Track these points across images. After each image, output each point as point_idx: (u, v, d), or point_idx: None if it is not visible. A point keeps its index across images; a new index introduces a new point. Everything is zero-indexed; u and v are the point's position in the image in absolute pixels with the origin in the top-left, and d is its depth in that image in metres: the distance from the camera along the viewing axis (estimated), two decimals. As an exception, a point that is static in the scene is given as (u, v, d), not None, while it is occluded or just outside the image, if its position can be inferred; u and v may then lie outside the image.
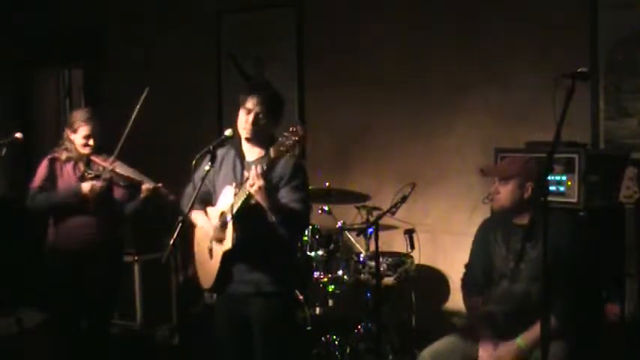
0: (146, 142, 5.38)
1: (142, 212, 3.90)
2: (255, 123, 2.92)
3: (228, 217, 2.89)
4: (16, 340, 4.82)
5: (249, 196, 2.79)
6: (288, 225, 2.91)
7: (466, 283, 3.31)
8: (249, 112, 2.93)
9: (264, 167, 2.74)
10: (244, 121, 2.94)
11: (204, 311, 4.52)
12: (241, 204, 2.83)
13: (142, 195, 3.76)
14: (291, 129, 2.66)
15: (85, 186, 3.76)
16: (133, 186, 3.80)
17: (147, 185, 3.74)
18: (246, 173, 2.95)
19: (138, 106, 3.76)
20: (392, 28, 4.81)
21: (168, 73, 5.79)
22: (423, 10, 4.68)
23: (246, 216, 2.86)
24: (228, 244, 2.90)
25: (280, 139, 2.68)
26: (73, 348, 3.94)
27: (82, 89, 6.60)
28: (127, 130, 3.77)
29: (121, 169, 3.76)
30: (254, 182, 2.73)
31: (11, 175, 5.41)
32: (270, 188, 2.80)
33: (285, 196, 2.92)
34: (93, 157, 3.82)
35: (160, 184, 3.75)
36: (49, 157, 3.89)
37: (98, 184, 3.75)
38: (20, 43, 6.42)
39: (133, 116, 3.76)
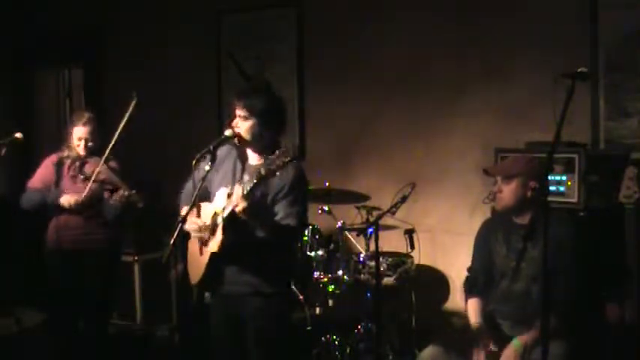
0: (146, 141, 5.40)
1: (120, 217, 3.92)
2: (249, 132, 2.91)
3: (219, 220, 2.89)
4: (16, 340, 4.82)
5: (235, 212, 2.78)
6: (276, 239, 2.90)
7: (469, 286, 3.30)
8: (235, 117, 2.92)
9: (252, 184, 2.71)
10: (231, 126, 2.93)
11: (204, 311, 4.51)
12: (228, 215, 2.82)
13: (114, 201, 3.79)
14: (283, 148, 2.66)
15: (65, 198, 3.81)
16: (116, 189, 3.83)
17: (120, 192, 3.77)
18: (246, 177, 2.94)
19: (127, 115, 3.81)
20: (392, 28, 4.81)
21: (168, 72, 5.80)
22: (422, 10, 4.67)
23: (235, 224, 2.84)
24: (214, 247, 2.89)
25: (270, 157, 2.67)
26: (73, 348, 3.95)
27: (82, 89, 6.60)
28: (116, 135, 3.82)
29: (104, 174, 3.81)
30: (237, 203, 2.72)
31: (11, 175, 5.41)
32: (255, 208, 2.78)
33: (281, 210, 2.89)
34: (87, 159, 3.85)
35: (133, 192, 3.77)
36: (54, 158, 3.93)
37: (75, 199, 3.79)
38: (20, 43, 6.42)
39: (123, 122, 3.81)
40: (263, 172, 2.67)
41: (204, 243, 2.98)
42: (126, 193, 3.75)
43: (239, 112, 2.91)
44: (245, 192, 2.72)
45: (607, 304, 3.18)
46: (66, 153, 3.92)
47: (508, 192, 3.09)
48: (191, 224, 2.99)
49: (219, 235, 2.87)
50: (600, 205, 3.54)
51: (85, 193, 3.79)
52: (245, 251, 2.91)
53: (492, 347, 3.00)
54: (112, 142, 3.82)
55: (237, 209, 2.73)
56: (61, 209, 3.84)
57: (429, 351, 3.14)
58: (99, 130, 3.94)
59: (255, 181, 2.71)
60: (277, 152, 2.66)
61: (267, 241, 2.87)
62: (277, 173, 2.68)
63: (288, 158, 2.64)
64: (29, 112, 6.66)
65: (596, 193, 3.59)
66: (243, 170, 3.00)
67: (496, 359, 2.98)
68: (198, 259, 3.03)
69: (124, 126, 3.82)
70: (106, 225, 3.92)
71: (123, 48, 6.12)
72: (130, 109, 3.81)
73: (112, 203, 3.82)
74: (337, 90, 5.04)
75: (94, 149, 3.87)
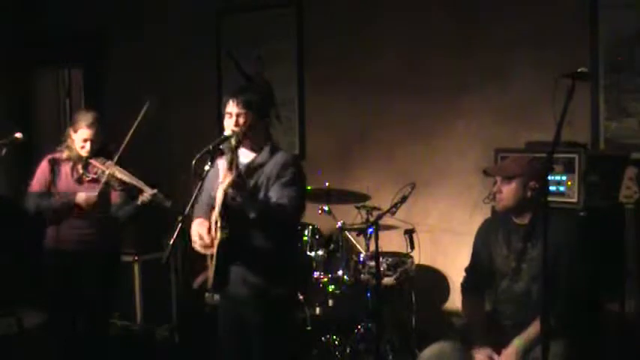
0: (146, 141, 5.39)
1: (135, 217, 3.91)
2: (236, 125, 2.92)
3: (215, 219, 2.89)
4: (16, 340, 4.82)
5: (225, 194, 2.77)
6: (269, 221, 2.86)
7: (466, 286, 3.30)
8: (230, 115, 2.94)
9: (232, 154, 2.74)
10: (227, 126, 2.94)
11: (204, 311, 4.52)
12: (222, 204, 2.82)
13: (139, 202, 3.75)
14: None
15: (81, 196, 3.77)
16: (129, 190, 3.81)
17: (145, 194, 3.72)
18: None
19: (139, 118, 3.77)
20: (392, 28, 4.81)
21: (168, 73, 5.80)
22: (422, 10, 4.67)
23: (232, 218, 2.84)
24: (214, 247, 2.90)
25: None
26: (73, 348, 3.95)
27: (82, 89, 6.61)
28: (127, 139, 3.79)
29: (120, 173, 3.76)
30: (225, 177, 2.73)
31: (11, 175, 5.41)
32: (242, 183, 2.78)
33: (274, 193, 2.89)
34: (92, 160, 3.82)
35: (155, 191, 3.73)
36: (49, 157, 3.90)
37: (94, 196, 3.75)
38: (20, 43, 6.42)
39: (134, 127, 3.78)
40: (234, 142, 2.75)
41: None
42: (149, 194, 3.71)
43: (236, 110, 2.92)
44: (228, 164, 2.72)
45: (607, 304, 3.18)
46: (65, 154, 3.87)
47: (508, 192, 3.08)
48: (194, 237, 3.00)
49: (218, 230, 2.88)
50: (600, 205, 3.54)
51: (96, 196, 3.75)
52: (246, 248, 2.91)
53: (495, 357, 3.00)
54: (125, 143, 3.78)
55: (225, 183, 2.73)
56: (61, 217, 3.83)
57: (429, 351, 3.14)
58: (105, 131, 3.93)
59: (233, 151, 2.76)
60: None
61: (264, 229, 2.86)
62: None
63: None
64: (29, 112, 6.66)
65: (596, 193, 3.59)
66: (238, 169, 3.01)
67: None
68: (210, 262, 3.05)
69: (136, 129, 3.79)
70: (106, 225, 3.91)
71: (123, 48, 6.13)
72: (142, 114, 3.78)
73: (131, 203, 3.81)
74: (337, 90, 5.04)
75: (97, 150, 3.85)
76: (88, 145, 3.79)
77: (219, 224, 2.87)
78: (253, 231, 2.90)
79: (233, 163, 2.75)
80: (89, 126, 3.77)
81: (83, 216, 3.82)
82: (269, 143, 3.01)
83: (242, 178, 2.82)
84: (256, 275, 2.96)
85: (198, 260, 3.21)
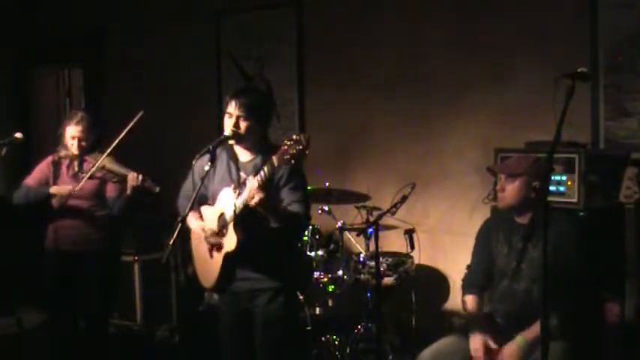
0: (146, 142, 5.39)
1: (130, 208, 3.90)
2: (237, 126, 2.92)
3: (228, 219, 2.90)
4: (16, 340, 4.83)
5: (248, 205, 2.78)
6: (289, 228, 2.92)
7: (467, 283, 3.30)
8: (230, 116, 2.94)
9: (266, 175, 2.70)
10: (227, 126, 2.94)
11: (205, 311, 4.52)
12: (241, 209, 2.83)
13: (127, 190, 3.78)
14: (294, 137, 2.62)
15: (54, 189, 3.84)
16: (124, 182, 3.82)
17: (131, 176, 3.74)
18: (242, 174, 2.95)
19: (130, 126, 3.80)
20: (392, 28, 4.81)
21: (168, 73, 5.80)
22: (422, 10, 4.67)
23: (246, 218, 2.86)
24: (230, 246, 2.90)
25: (284, 147, 2.62)
26: (73, 348, 3.95)
27: (82, 89, 6.61)
28: (117, 140, 3.81)
29: (110, 164, 3.81)
30: (253, 195, 2.71)
31: (11, 175, 5.41)
32: (270, 198, 2.77)
33: (285, 197, 2.92)
34: (86, 157, 3.86)
35: (144, 177, 3.76)
36: (52, 156, 3.95)
37: (66, 189, 3.80)
38: (20, 42, 6.43)
39: (123, 133, 3.81)
40: (276, 162, 2.65)
41: (214, 247, 2.99)
42: (140, 177, 3.75)
43: (238, 113, 2.92)
44: (261, 183, 2.71)
45: (607, 304, 3.18)
46: (62, 153, 3.92)
47: (511, 191, 3.08)
48: (199, 230, 3.03)
49: (232, 233, 2.89)
50: (600, 205, 3.54)
51: (79, 185, 3.78)
52: (255, 247, 2.93)
53: (492, 345, 3.00)
54: (113, 145, 3.81)
55: (254, 201, 2.71)
56: (61, 211, 3.84)
57: (429, 351, 3.14)
58: (97, 129, 3.94)
59: (270, 171, 2.70)
60: (289, 142, 2.61)
61: (277, 232, 2.88)
62: (292, 161, 2.64)
63: (301, 147, 2.60)
64: (29, 112, 6.67)
65: (596, 193, 3.58)
66: (238, 169, 3.02)
67: (495, 356, 2.98)
68: (208, 263, 3.05)
69: (125, 135, 3.82)
70: (106, 225, 3.92)
71: (123, 48, 6.13)
72: (134, 121, 3.81)
73: (122, 194, 3.82)
74: (337, 90, 5.04)
75: (89, 148, 3.87)
76: (76, 142, 3.85)
77: (231, 228, 2.88)
78: (267, 237, 2.90)
79: (265, 182, 2.73)
80: (76, 123, 3.85)
81: (81, 214, 3.83)
82: (268, 144, 3.01)
83: (270, 195, 2.81)
84: (260, 271, 2.98)
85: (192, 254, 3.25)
